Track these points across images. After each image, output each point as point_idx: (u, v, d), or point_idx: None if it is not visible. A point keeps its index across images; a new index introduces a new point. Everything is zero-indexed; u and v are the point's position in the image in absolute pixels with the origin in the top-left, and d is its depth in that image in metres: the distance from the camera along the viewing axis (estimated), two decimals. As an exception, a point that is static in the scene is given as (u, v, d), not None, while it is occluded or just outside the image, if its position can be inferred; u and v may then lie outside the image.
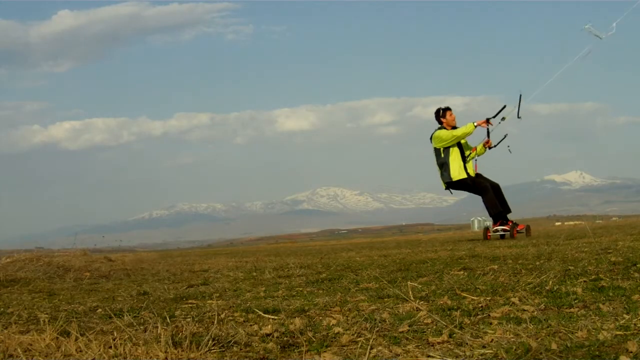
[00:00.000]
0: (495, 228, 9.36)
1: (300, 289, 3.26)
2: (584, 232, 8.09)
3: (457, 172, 9.30)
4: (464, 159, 9.40)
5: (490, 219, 9.48)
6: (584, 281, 2.60)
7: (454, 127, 9.38)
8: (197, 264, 7.22)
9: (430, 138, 9.38)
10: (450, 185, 9.44)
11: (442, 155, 9.36)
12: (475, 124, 9.00)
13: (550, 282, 2.59)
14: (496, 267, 3.50)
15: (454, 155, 9.32)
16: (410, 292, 2.51)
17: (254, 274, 4.59)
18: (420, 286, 2.86)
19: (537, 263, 3.60)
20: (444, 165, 9.39)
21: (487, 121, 8.98)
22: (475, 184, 9.35)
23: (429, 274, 3.46)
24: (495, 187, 9.43)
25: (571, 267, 3.15)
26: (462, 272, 3.40)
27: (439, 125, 9.44)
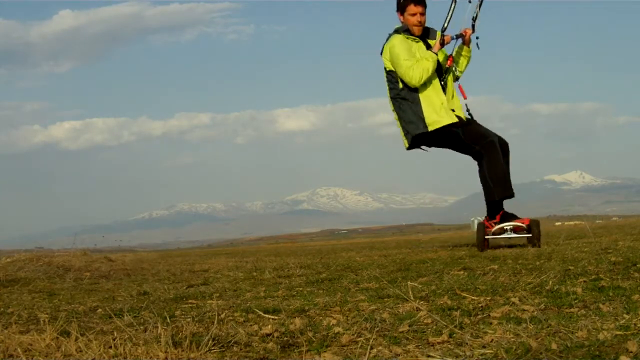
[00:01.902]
0: (502, 226, 5.36)
1: (300, 289, 3.26)
2: (584, 232, 8.08)
3: (436, 112, 5.27)
4: (444, 87, 5.43)
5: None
6: (584, 281, 2.60)
7: (422, 39, 5.43)
8: (197, 264, 7.22)
9: (382, 51, 5.55)
10: (422, 138, 5.38)
11: (401, 85, 5.37)
12: (435, 50, 5.34)
13: (550, 282, 2.59)
14: (496, 267, 3.49)
15: (431, 85, 5.33)
16: (410, 292, 2.50)
17: (254, 274, 4.59)
18: (420, 286, 2.85)
19: (537, 263, 3.60)
20: (405, 104, 5.36)
21: (443, 36, 5.43)
22: (468, 133, 5.28)
23: (429, 274, 3.46)
24: (503, 147, 5.40)
25: (571, 267, 3.15)
26: (462, 272, 3.40)
27: (398, 26, 5.52)
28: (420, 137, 5.41)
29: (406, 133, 5.46)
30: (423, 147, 5.58)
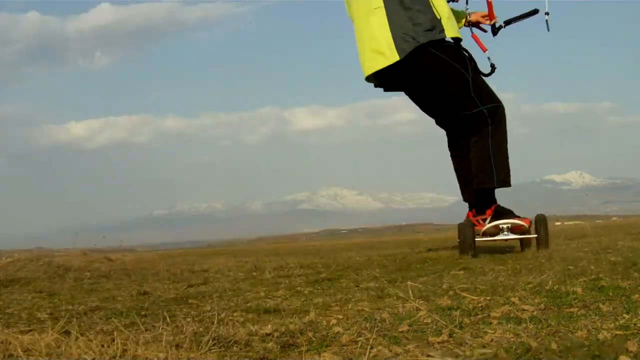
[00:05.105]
0: (496, 224, 4.13)
1: (300, 289, 3.26)
2: (584, 232, 8.08)
3: (452, 24, 3.93)
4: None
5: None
6: (584, 281, 2.60)
7: None
8: (197, 264, 7.22)
9: None
10: (422, 51, 3.78)
11: None
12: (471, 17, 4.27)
13: (550, 282, 2.59)
14: (496, 267, 3.49)
15: None
16: (410, 292, 2.50)
17: (254, 274, 4.59)
18: (420, 286, 2.85)
19: (537, 263, 3.60)
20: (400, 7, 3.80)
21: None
22: (479, 84, 3.93)
23: (429, 274, 3.46)
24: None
25: (571, 267, 3.15)
26: (462, 272, 3.40)
27: None
28: (430, 44, 3.77)
29: (402, 40, 3.73)
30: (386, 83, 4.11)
